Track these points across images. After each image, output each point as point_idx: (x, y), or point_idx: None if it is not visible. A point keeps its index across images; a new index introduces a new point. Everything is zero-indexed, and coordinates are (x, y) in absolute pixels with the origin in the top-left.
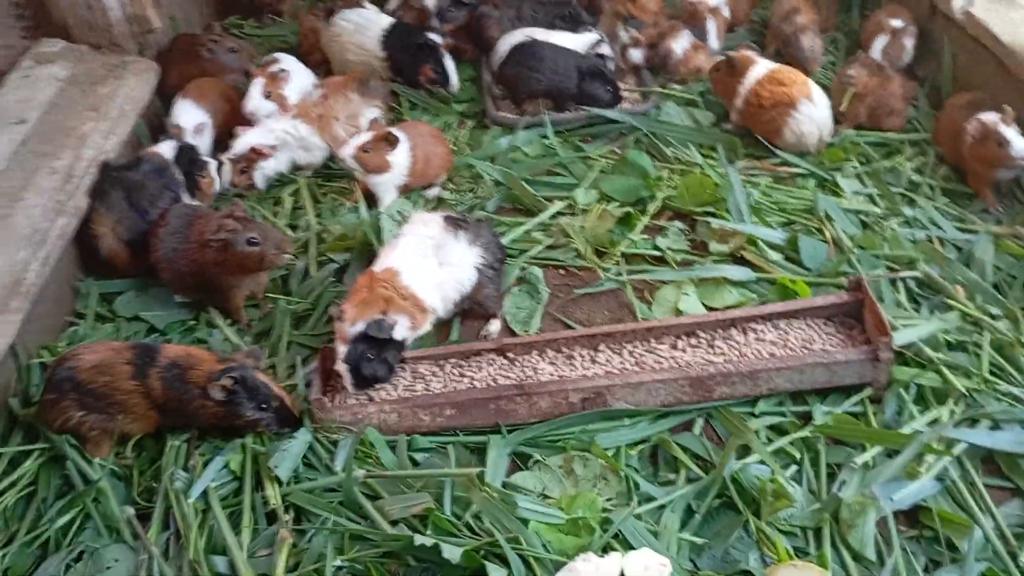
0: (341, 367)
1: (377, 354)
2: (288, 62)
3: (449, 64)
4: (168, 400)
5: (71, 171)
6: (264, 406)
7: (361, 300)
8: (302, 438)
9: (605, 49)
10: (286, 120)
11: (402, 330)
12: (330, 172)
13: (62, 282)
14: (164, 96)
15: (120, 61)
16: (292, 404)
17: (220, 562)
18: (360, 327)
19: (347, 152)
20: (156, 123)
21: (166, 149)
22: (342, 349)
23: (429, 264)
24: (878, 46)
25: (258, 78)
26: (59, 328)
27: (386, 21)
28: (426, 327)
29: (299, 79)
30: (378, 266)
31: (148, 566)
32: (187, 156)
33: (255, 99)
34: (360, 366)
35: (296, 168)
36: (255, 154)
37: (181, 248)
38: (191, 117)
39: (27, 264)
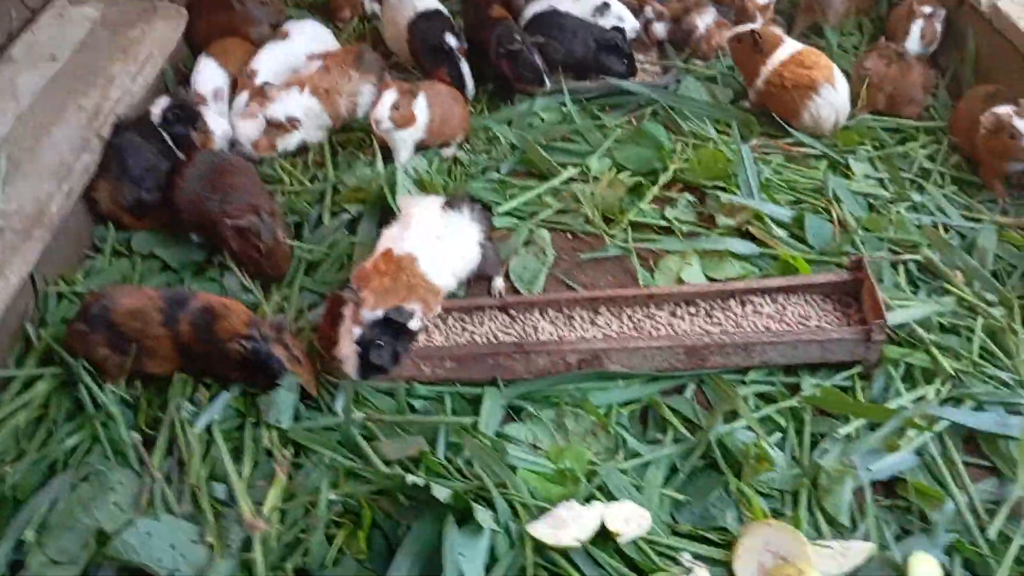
0: (348, 351)
1: (389, 342)
2: (304, 27)
3: (465, 69)
4: (193, 344)
5: (98, 109)
6: (276, 381)
7: (383, 287)
8: (290, 382)
9: (625, 15)
10: (305, 96)
11: (417, 321)
12: (348, 126)
13: (82, 216)
14: (191, 44)
15: (150, 6)
16: (308, 381)
17: (220, 489)
18: (379, 313)
19: (382, 113)
20: (183, 69)
21: (156, 108)
22: (355, 331)
23: (443, 247)
24: (915, 30)
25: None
26: (77, 260)
27: (424, 4)
28: (438, 309)
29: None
30: (398, 250)
31: (151, 490)
32: (177, 113)
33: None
34: (370, 353)
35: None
36: (291, 125)
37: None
38: (211, 79)
39: (51, 196)
